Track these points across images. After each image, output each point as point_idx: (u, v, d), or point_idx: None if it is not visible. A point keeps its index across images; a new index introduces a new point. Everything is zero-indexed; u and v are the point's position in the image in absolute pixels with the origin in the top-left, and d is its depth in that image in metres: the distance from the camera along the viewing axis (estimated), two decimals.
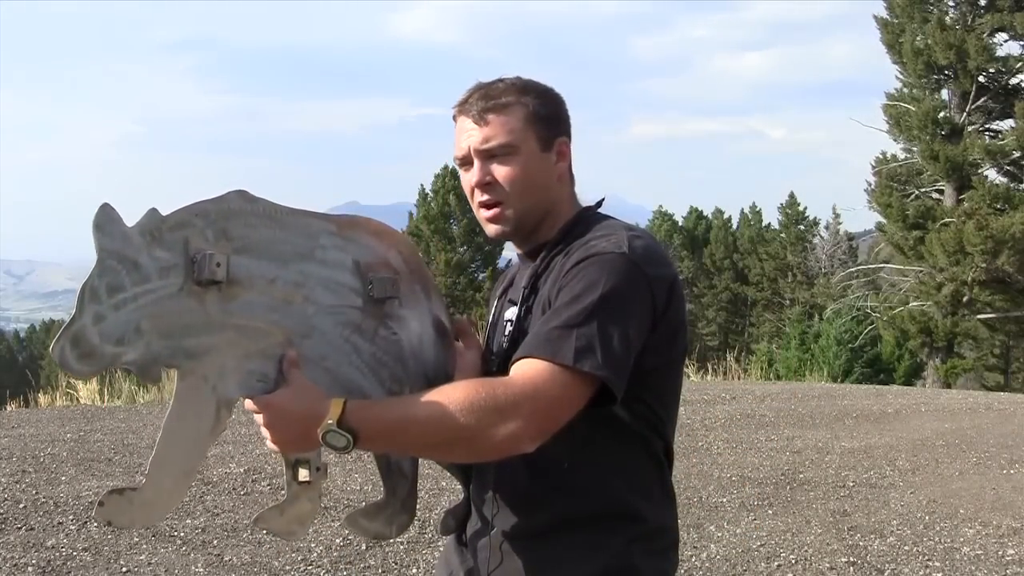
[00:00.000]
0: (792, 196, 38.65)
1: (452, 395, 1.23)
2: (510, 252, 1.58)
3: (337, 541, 4.34)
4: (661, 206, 42.60)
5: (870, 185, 24.23)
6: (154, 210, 1.20)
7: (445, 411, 1.22)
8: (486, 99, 1.42)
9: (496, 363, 1.45)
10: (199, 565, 4.02)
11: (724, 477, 6.14)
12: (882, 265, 26.03)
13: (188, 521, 4.64)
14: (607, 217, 1.47)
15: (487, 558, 1.43)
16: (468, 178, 1.44)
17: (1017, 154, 22.24)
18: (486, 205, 1.43)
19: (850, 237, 35.72)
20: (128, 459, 6.13)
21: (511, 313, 1.47)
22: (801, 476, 6.27)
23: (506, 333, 1.46)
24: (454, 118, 1.46)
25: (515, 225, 1.44)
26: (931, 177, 23.31)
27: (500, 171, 1.41)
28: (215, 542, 4.33)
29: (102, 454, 6.30)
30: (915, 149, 23.29)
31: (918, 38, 22.73)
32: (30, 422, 7.79)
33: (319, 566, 4.05)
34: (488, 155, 1.41)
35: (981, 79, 22.52)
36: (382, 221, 1.48)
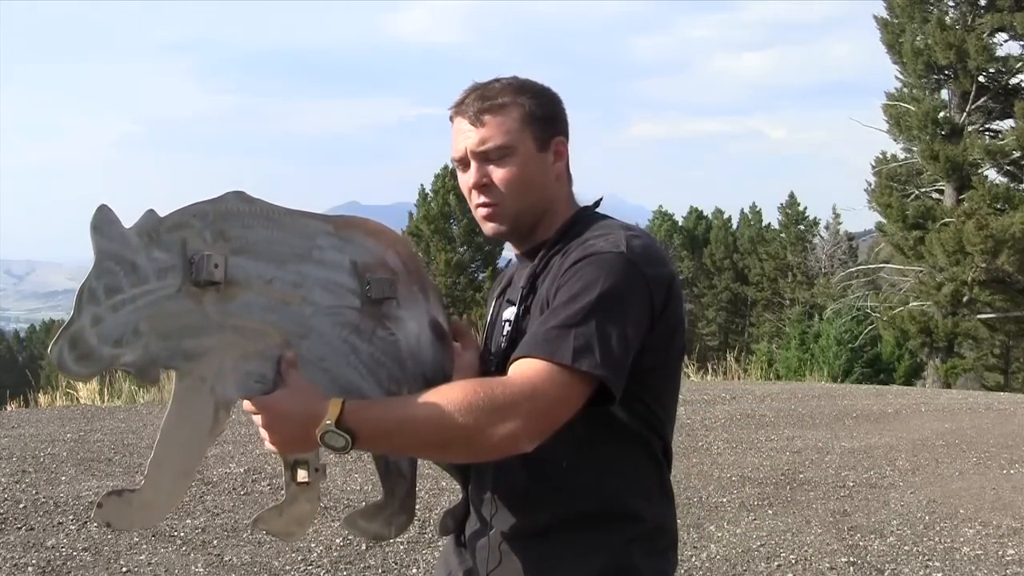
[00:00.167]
0: (792, 196, 38.65)
1: (450, 395, 1.23)
2: (510, 252, 1.58)
3: (337, 541, 4.34)
4: (661, 206, 42.60)
5: (870, 185, 24.23)
6: (152, 211, 1.19)
7: (443, 411, 1.21)
8: (482, 100, 1.41)
9: (494, 363, 1.44)
10: (199, 565, 4.02)
11: (724, 477, 6.14)
12: (882, 265, 26.03)
13: (188, 521, 4.65)
14: (605, 217, 1.47)
15: (486, 558, 1.43)
16: (465, 179, 1.44)
17: (1017, 154, 22.22)
18: (483, 207, 1.44)
19: (850, 237, 35.72)
20: (128, 459, 6.13)
21: (509, 313, 1.47)
22: (801, 476, 6.27)
23: (504, 333, 1.45)
24: (451, 119, 1.46)
25: (512, 224, 1.44)
26: (931, 177, 23.31)
27: (497, 173, 1.41)
28: (215, 542, 4.33)
29: (102, 454, 6.30)
30: (915, 149, 23.28)
31: (918, 38, 22.72)
32: (30, 422, 7.80)
33: (319, 566, 4.05)
34: (484, 157, 1.41)
35: (981, 79, 22.51)
36: (380, 221, 1.48)
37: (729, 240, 40.17)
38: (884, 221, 23.99)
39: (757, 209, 41.44)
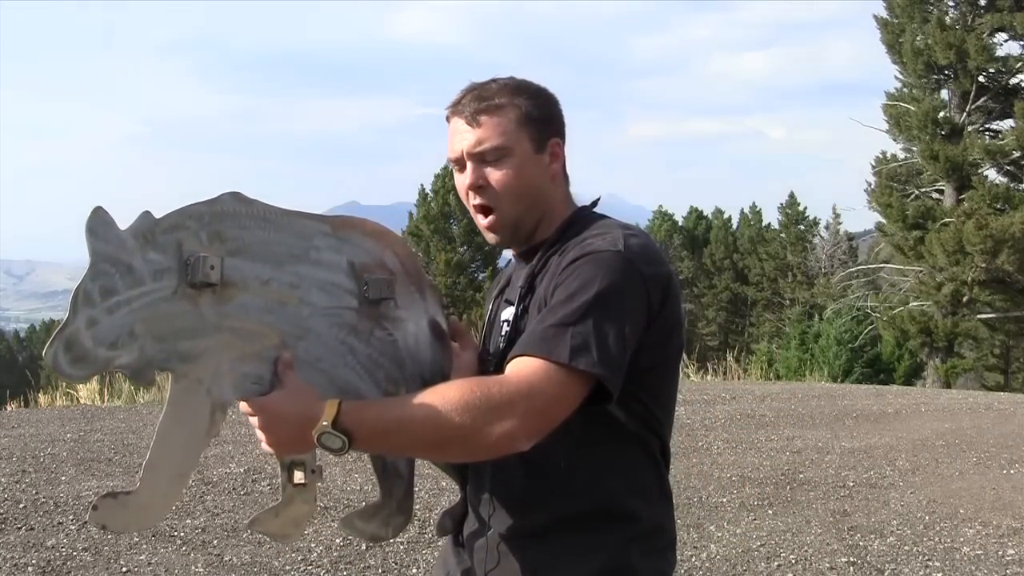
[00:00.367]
0: (792, 196, 38.65)
1: (447, 395, 1.23)
2: (509, 252, 1.58)
3: (337, 541, 4.34)
4: (661, 206, 42.60)
5: (870, 185, 24.23)
6: (147, 213, 1.19)
7: (440, 411, 1.21)
8: (479, 100, 1.41)
9: (493, 363, 1.44)
10: (199, 565, 4.02)
11: (724, 477, 6.14)
12: (882, 265, 26.02)
13: (188, 521, 4.64)
14: (603, 216, 1.47)
15: (484, 558, 1.43)
16: (462, 180, 1.44)
17: (1017, 154, 22.21)
18: (480, 209, 1.43)
19: (850, 237, 35.72)
20: (128, 459, 6.13)
21: (508, 313, 1.46)
22: (801, 476, 6.26)
23: (503, 333, 1.45)
24: (447, 119, 1.46)
25: (512, 230, 1.44)
26: (931, 177, 23.30)
27: (493, 175, 1.40)
28: (215, 542, 4.33)
29: (102, 454, 6.30)
30: (915, 149, 23.27)
31: (918, 38, 22.72)
32: (30, 422, 7.80)
33: (319, 566, 4.05)
34: (481, 158, 1.41)
35: (981, 79, 22.50)
36: (377, 221, 1.48)
37: (729, 240, 40.17)
38: (884, 221, 23.99)
39: (757, 209, 41.44)
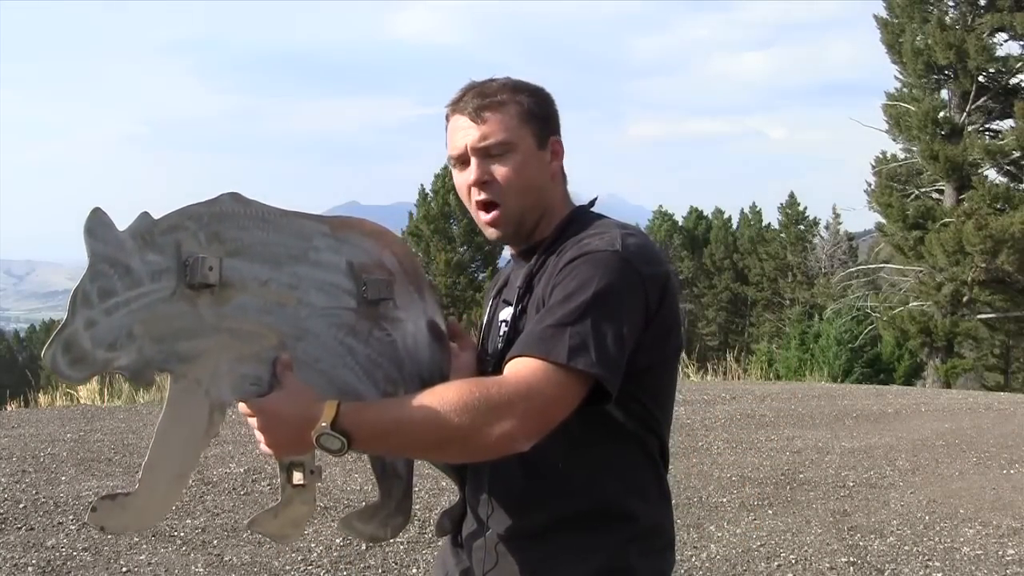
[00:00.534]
0: (792, 196, 38.66)
1: (446, 395, 1.23)
2: (508, 252, 1.58)
3: (337, 541, 4.34)
4: (661, 206, 42.62)
5: (870, 185, 24.23)
6: (146, 214, 1.19)
7: (439, 412, 1.21)
8: (482, 97, 1.41)
9: (491, 364, 1.44)
10: (199, 565, 4.02)
11: (724, 477, 6.14)
12: (882, 265, 26.03)
13: (188, 521, 4.65)
14: (601, 216, 1.47)
15: (482, 559, 1.43)
16: (464, 177, 1.43)
17: (1017, 154, 22.21)
18: (483, 205, 1.42)
19: (850, 237, 35.73)
20: (128, 459, 6.13)
21: (506, 313, 1.46)
22: (801, 476, 6.26)
23: (501, 334, 1.45)
24: (447, 117, 1.45)
25: (515, 227, 1.44)
26: (931, 177, 23.30)
27: (498, 170, 1.40)
28: (215, 542, 4.33)
29: (102, 454, 6.31)
30: (915, 149, 23.27)
31: (918, 38, 22.71)
32: (30, 422, 7.80)
33: (319, 566, 4.05)
34: (486, 153, 1.40)
35: (981, 79, 22.50)
36: (379, 221, 1.47)
37: (729, 240, 40.18)
38: (884, 221, 23.99)
39: (757, 209, 41.46)
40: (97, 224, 1.14)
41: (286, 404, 1.25)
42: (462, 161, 1.43)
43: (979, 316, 22.74)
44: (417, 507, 4.77)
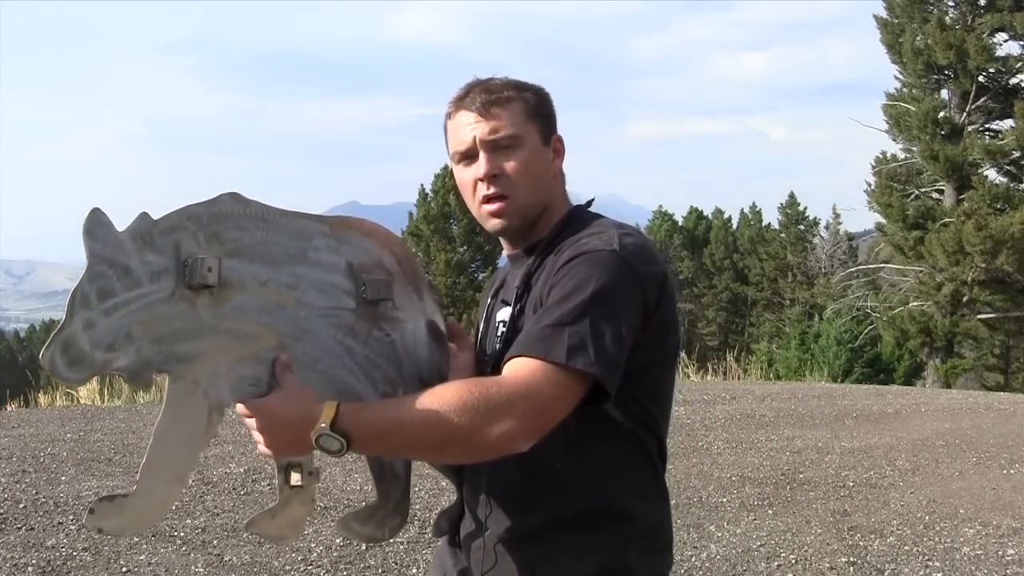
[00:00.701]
0: (792, 196, 38.66)
1: (445, 396, 1.22)
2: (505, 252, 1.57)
3: (337, 541, 4.34)
4: (661, 206, 42.64)
5: (870, 185, 24.23)
6: (145, 214, 1.18)
7: (439, 412, 1.21)
8: (488, 93, 1.41)
9: (490, 364, 1.44)
10: (199, 565, 4.02)
11: (724, 477, 6.14)
12: (882, 265, 26.03)
13: (188, 521, 4.65)
14: (598, 216, 1.47)
15: (481, 559, 1.42)
16: (471, 172, 1.42)
17: (1017, 154, 22.22)
18: (491, 199, 1.41)
19: (850, 237, 35.73)
20: (128, 459, 6.13)
21: (503, 314, 1.46)
22: (801, 476, 6.26)
23: (499, 334, 1.45)
24: (449, 115, 1.45)
25: (521, 219, 1.43)
26: (931, 177, 23.31)
27: (508, 164, 1.40)
28: (215, 542, 4.33)
29: (102, 454, 6.31)
30: (915, 149, 23.27)
31: (918, 38, 22.72)
32: (30, 422, 7.80)
33: (319, 566, 4.05)
34: (495, 146, 1.40)
35: (981, 79, 22.50)
36: (379, 221, 1.47)
37: (729, 240, 40.19)
38: (884, 221, 23.99)
39: (757, 209, 41.47)
40: (96, 224, 1.13)
41: (285, 405, 1.25)
42: (468, 156, 1.42)
43: (979, 316, 22.73)
44: (417, 507, 4.78)
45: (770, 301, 37.25)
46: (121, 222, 1.17)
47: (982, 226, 20.45)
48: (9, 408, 10.40)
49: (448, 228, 31.79)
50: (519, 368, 1.25)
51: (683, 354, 14.76)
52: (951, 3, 23.04)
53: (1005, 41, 22.72)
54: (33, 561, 3.98)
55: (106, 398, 10.25)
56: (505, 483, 1.40)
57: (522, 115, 1.41)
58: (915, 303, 22.96)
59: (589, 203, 1.51)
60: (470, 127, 1.41)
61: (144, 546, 4.22)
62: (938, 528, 5.07)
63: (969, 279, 21.28)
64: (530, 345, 1.26)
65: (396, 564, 4.12)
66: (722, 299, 39.48)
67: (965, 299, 22.12)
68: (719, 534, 4.81)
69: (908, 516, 5.30)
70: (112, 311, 1.13)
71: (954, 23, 22.59)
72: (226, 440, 6.59)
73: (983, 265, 20.83)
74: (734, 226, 41.51)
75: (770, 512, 5.29)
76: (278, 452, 1.29)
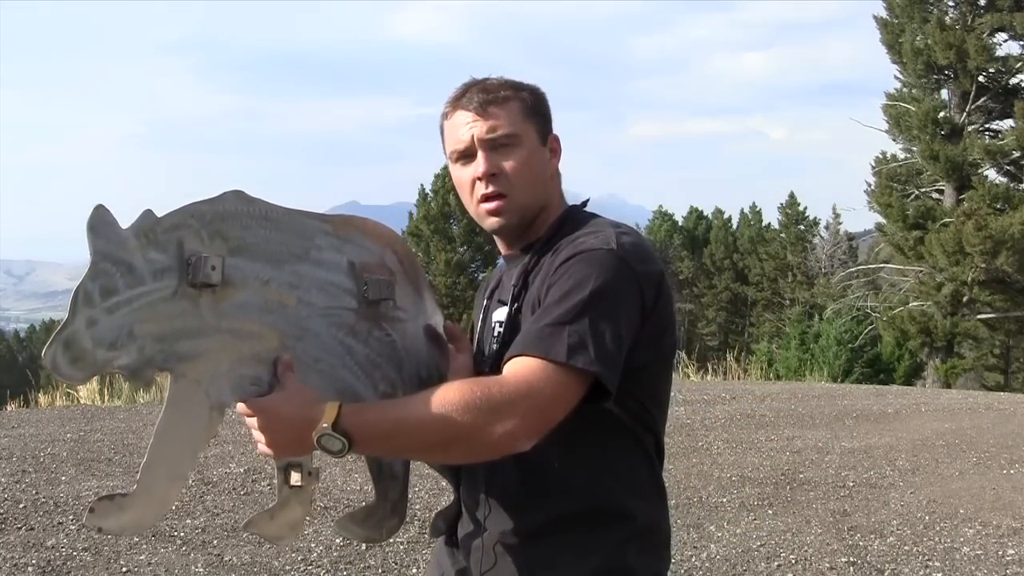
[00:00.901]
0: (792, 196, 38.68)
1: (447, 395, 1.22)
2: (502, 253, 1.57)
3: (337, 541, 4.34)
4: (661, 206, 42.66)
5: (870, 185, 24.24)
6: (149, 211, 1.18)
7: (440, 412, 1.21)
8: (485, 92, 1.41)
9: (487, 364, 1.44)
10: (199, 565, 4.02)
11: (724, 477, 6.14)
12: (882, 265, 26.03)
13: (188, 521, 4.65)
14: (595, 215, 1.48)
15: (480, 559, 1.43)
16: (469, 171, 1.42)
17: (1017, 154, 22.22)
18: (490, 197, 1.41)
19: (850, 237, 35.74)
20: (128, 459, 6.13)
21: (500, 314, 1.46)
22: (801, 476, 6.26)
23: (496, 335, 1.45)
24: (446, 115, 1.45)
25: (519, 218, 1.43)
26: (931, 177, 23.31)
27: (507, 162, 1.40)
28: (215, 542, 4.33)
29: (102, 454, 6.31)
30: (915, 149, 23.28)
31: (918, 38, 22.72)
32: (30, 422, 7.80)
33: (319, 566, 4.05)
34: (493, 145, 1.40)
35: (981, 79, 22.51)
36: (378, 221, 1.47)
37: (729, 240, 40.20)
38: (884, 221, 24.00)
39: (757, 209, 41.49)
40: (100, 221, 1.13)
41: (286, 404, 1.25)
42: (466, 155, 1.42)
43: (979, 316, 22.74)
44: (417, 507, 4.78)
45: (770, 301, 37.25)
46: (121, 222, 1.16)
47: (982, 226, 20.45)
48: (9, 408, 10.40)
49: (448, 228, 31.81)
50: (520, 367, 1.25)
51: (683, 354, 14.78)
52: (951, 3, 23.05)
53: (1005, 41, 22.77)
54: (33, 561, 3.98)
55: (106, 398, 10.25)
56: (504, 483, 1.40)
57: (519, 114, 1.41)
58: (915, 303, 22.96)
59: (585, 203, 1.51)
60: (468, 126, 1.40)
61: (144, 546, 4.22)
62: (938, 528, 5.07)
63: (969, 279, 21.29)
64: (530, 344, 1.26)
65: (396, 564, 4.12)
66: (722, 299, 39.48)
67: (965, 299, 22.12)
68: (719, 534, 4.81)
69: (908, 516, 5.30)
70: (115, 309, 1.13)
71: (954, 23, 22.59)
72: (226, 440, 6.59)
73: (983, 265, 20.84)
74: (734, 226, 41.53)
75: (770, 512, 5.29)
76: (279, 452, 1.28)
